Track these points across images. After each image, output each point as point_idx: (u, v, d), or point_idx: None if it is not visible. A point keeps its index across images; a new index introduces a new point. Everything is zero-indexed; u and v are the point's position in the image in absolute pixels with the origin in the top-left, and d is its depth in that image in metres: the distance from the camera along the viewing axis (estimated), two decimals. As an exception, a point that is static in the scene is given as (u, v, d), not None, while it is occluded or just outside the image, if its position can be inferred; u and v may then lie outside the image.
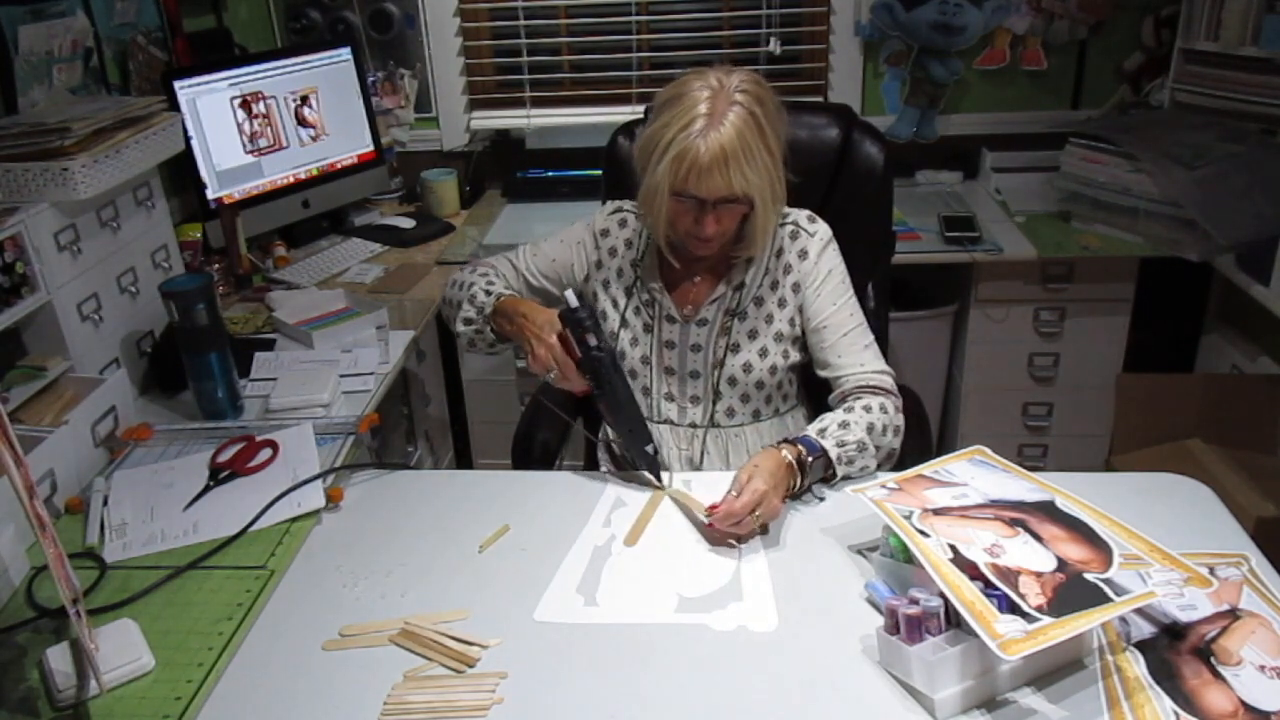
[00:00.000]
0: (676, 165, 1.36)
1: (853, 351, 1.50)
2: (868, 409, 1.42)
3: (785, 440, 1.37)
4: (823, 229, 1.54)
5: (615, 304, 1.58)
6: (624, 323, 1.57)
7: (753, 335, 1.53)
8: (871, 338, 1.53)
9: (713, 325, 1.53)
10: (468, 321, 1.57)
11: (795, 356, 1.55)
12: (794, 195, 1.48)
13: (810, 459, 1.35)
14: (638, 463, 1.44)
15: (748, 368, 1.53)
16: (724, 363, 1.53)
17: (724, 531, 1.28)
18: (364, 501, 1.42)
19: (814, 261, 1.51)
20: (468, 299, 1.57)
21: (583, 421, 1.80)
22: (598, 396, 1.45)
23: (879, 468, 1.43)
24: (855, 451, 1.38)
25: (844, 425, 1.40)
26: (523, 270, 1.63)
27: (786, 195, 1.46)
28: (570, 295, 1.44)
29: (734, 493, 1.27)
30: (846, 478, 1.40)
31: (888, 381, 1.49)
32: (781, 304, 1.52)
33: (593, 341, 1.40)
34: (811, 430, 1.40)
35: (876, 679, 1.04)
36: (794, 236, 1.53)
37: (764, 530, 1.30)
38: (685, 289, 1.55)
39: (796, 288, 1.52)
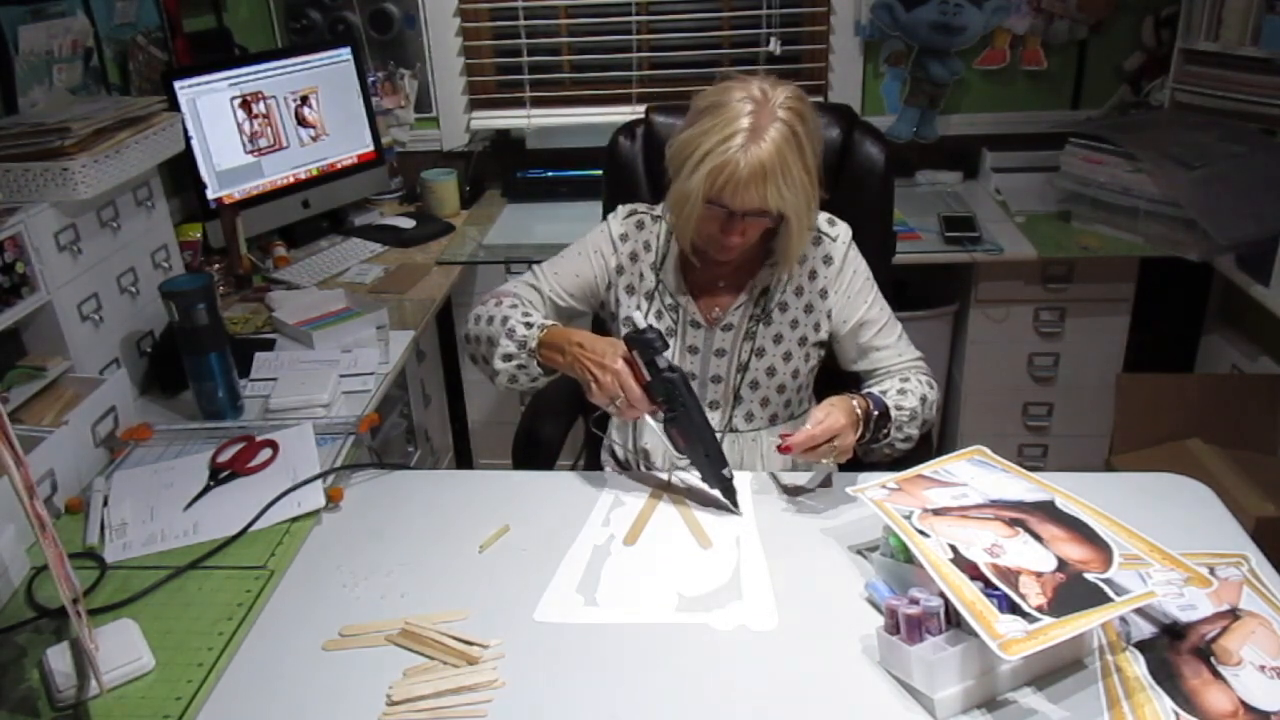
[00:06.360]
0: (714, 176, 1.34)
1: (889, 342, 1.54)
2: (920, 382, 1.49)
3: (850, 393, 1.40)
4: (843, 231, 1.54)
5: (638, 310, 1.56)
6: None
7: (778, 340, 1.53)
8: (901, 327, 1.57)
9: (738, 330, 1.53)
10: (508, 357, 1.45)
11: (815, 360, 1.56)
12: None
13: (875, 412, 1.38)
14: (713, 487, 1.38)
15: (771, 371, 1.53)
16: (748, 366, 1.53)
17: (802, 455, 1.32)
18: (364, 501, 1.42)
19: (839, 266, 1.52)
20: (504, 334, 1.45)
21: (590, 418, 1.76)
22: (670, 421, 1.35)
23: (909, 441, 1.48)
24: (907, 418, 1.43)
25: (902, 391, 1.46)
26: (548, 294, 1.56)
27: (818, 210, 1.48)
28: (638, 316, 1.41)
29: (809, 425, 1.31)
30: (888, 449, 1.44)
31: (924, 365, 1.56)
32: (808, 309, 1.52)
33: (663, 364, 1.33)
34: (874, 389, 1.46)
35: (876, 679, 1.04)
36: (816, 242, 1.52)
37: (827, 484, 1.36)
38: (709, 293, 1.55)
39: (824, 293, 1.52)
